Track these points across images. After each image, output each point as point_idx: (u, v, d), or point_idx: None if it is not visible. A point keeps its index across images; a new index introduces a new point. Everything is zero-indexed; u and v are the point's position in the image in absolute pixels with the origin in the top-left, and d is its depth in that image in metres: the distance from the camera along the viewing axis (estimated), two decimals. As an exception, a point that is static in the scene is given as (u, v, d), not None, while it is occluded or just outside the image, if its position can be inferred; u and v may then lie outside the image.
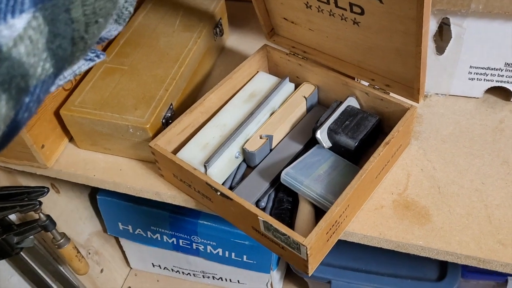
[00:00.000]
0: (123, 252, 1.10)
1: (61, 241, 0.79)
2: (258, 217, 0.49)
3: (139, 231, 0.97)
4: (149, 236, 0.97)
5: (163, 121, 0.62)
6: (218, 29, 0.77)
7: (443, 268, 0.89)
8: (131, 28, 0.74)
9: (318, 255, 0.51)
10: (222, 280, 1.04)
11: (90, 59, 0.36)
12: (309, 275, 0.51)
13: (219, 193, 0.52)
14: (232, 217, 0.56)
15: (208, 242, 0.93)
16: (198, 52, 0.71)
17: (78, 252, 0.83)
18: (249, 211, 0.50)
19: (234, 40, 0.84)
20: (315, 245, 0.48)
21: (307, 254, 0.48)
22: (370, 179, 0.55)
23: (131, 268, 1.14)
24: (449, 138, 0.64)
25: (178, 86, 0.66)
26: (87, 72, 0.69)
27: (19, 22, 0.24)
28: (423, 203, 0.58)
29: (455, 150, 0.62)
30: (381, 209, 0.58)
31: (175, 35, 0.72)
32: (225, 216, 0.57)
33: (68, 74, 0.34)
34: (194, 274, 1.06)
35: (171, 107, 0.64)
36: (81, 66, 0.35)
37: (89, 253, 1.01)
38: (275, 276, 1.00)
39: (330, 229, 0.50)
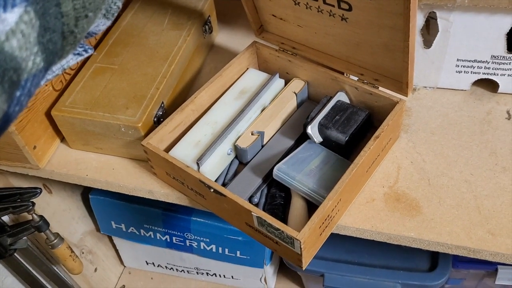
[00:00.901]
0: (117, 251, 1.10)
1: (55, 241, 0.80)
2: (252, 213, 0.50)
3: (132, 229, 0.97)
4: (142, 234, 0.98)
5: (155, 119, 0.63)
6: (207, 27, 0.77)
7: (434, 258, 0.90)
8: (119, 27, 0.74)
9: (311, 249, 0.51)
10: (216, 276, 1.05)
11: (78, 54, 0.36)
12: (303, 269, 0.51)
13: (212, 190, 0.53)
14: (225, 213, 0.56)
15: (202, 238, 0.93)
16: (188, 50, 0.71)
17: (72, 252, 0.83)
18: (243, 207, 0.50)
19: (223, 37, 0.84)
20: (308, 239, 0.49)
21: (300, 248, 0.48)
22: (361, 173, 0.55)
23: (125, 266, 1.15)
24: (438, 130, 0.65)
25: (169, 84, 0.66)
26: (77, 72, 0.69)
27: (11, 17, 0.24)
28: (414, 195, 0.59)
29: (444, 142, 0.63)
30: (373, 202, 0.59)
31: (164, 34, 0.72)
32: (219, 213, 0.58)
33: (57, 69, 0.34)
34: (188, 271, 1.07)
35: (162, 105, 0.64)
36: (69, 60, 0.35)
37: (83, 253, 1.01)
38: (269, 270, 1.01)
39: (323, 223, 0.51)
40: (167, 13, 0.76)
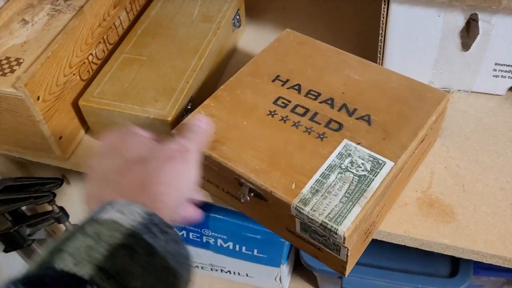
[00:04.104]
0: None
1: (73, 232, 0.78)
2: (296, 218, 0.48)
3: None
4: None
5: (184, 113, 0.61)
6: (236, 20, 0.76)
7: (455, 264, 0.88)
8: (148, 17, 0.73)
9: (355, 256, 0.50)
10: (230, 273, 1.04)
11: None
12: (346, 275, 0.50)
13: (253, 194, 0.52)
14: (263, 218, 0.55)
15: (219, 235, 0.92)
16: (218, 43, 0.70)
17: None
18: (286, 212, 0.49)
19: (250, 32, 0.83)
20: (355, 246, 0.47)
21: (347, 256, 0.47)
22: (404, 177, 0.54)
23: (138, 259, 1.13)
24: (472, 135, 0.63)
25: (198, 78, 0.65)
26: (104, 62, 0.68)
27: None
28: (448, 201, 0.57)
29: (478, 147, 0.62)
30: (405, 207, 0.57)
31: (194, 26, 0.71)
32: (254, 216, 0.56)
33: None
34: (202, 267, 1.05)
35: (191, 99, 0.63)
36: None
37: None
38: (284, 269, 1.00)
39: (368, 229, 0.50)
40: (196, 4, 0.74)
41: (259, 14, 0.85)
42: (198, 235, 0.94)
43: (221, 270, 1.04)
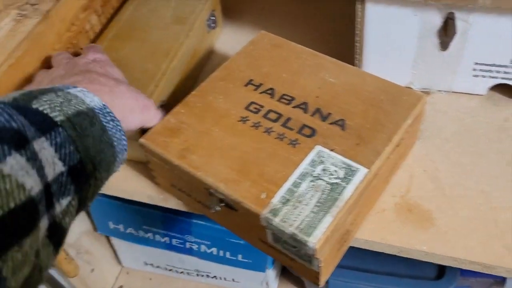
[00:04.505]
0: (115, 251, 1.07)
1: (50, 242, 0.76)
2: (266, 229, 0.47)
3: (130, 230, 0.94)
4: (141, 235, 0.95)
5: (155, 120, 0.59)
6: (211, 21, 0.74)
7: (442, 266, 0.87)
8: (120, 21, 0.71)
9: (330, 266, 0.49)
10: (216, 278, 1.02)
11: None
12: (320, 286, 0.49)
13: (223, 204, 0.50)
14: (235, 227, 0.53)
15: (202, 241, 0.91)
16: (191, 45, 0.68)
17: (67, 254, 0.80)
18: (256, 223, 0.47)
19: (228, 33, 0.81)
20: (328, 257, 0.46)
21: (319, 267, 0.45)
22: (379, 183, 0.53)
23: (123, 266, 1.12)
24: (453, 137, 0.62)
25: (169, 82, 0.63)
26: (74, 68, 0.66)
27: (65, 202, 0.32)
28: (427, 206, 0.56)
29: (459, 149, 0.60)
30: (383, 213, 0.55)
31: (167, 28, 0.69)
32: (227, 225, 0.55)
33: None
34: (187, 273, 1.04)
35: (162, 104, 0.61)
36: None
37: (79, 253, 0.98)
38: (271, 274, 0.98)
39: (342, 238, 0.48)
40: (170, 6, 0.72)
41: (237, 15, 0.83)
42: (181, 241, 0.92)
43: (207, 276, 1.03)
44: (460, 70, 0.62)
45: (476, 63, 0.61)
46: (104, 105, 0.39)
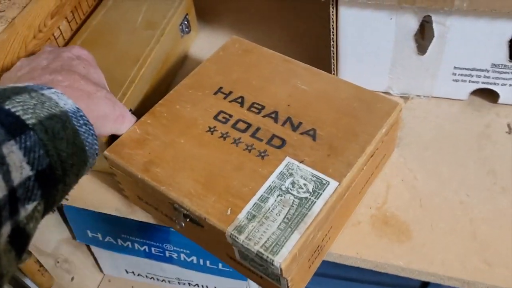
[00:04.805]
0: (95, 258, 1.05)
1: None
2: (233, 246, 0.44)
3: (109, 239, 0.92)
4: (119, 244, 0.92)
5: (122, 130, 0.57)
6: (184, 26, 0.71)
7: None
8: (89, 27, 0.68)
9: (301, 283, 0.46)
10: (198, 286, 1.00)
11: None
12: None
13: (188, 220, 0.48)
14: (203, 242, 0.51)
15: (182, 250, 0.88)
16: (162, 51, 0.66)
17: (41, 266, 0.78)
18: (223, 240, 0.45)
19: (203, 37, 0.78)
20: (296, 275, 0.44)
21: (288, 286, 0.43)
22: (353, 196, 0.50)
23: (104, 274, 1.09)
24: (432, 144, 0.59)
25: (139, 89, 0.61)
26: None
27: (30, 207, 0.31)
28: (404, 218, 0.53)
29: (438, 157, 0.58)
30: (358, 225, 0.53)
31: (137, 33, 0.66)
32: (195, 240, 0.52)
33: None
34: (169, 281, 1.02)
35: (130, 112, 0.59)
36: None
37: (58, 262, 0.95)
38: (253, 282, 0.96)
39: (312, 255, 0.46)
40: (141, 10, 0.70)
41: (213, 18, 0.81)
42: (161, 250, 0.90)
43: (189, 284, 1.00)
44: (439, 74, 0.60)
45: (456, 67, 0.59)
46: (78, 108, 0.38)
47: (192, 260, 0.89)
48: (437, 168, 0.57)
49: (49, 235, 0.93)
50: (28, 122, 0.32)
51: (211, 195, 0.46)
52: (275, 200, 0.45)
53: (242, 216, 0.44)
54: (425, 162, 0.58)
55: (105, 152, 0.52)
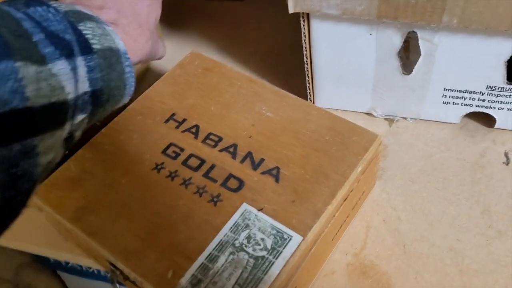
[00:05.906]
0: (62, 281, 0.98)
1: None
2: None
3: (72, 263, 0.85)
4: (84, 269, 0.85)
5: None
6: (144, 37, 0.64)
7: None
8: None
9: None
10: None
11: None
12: None
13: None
14: None
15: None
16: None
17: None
18: None
19: (170, 47, 0.70)
20: None
21: None
22: (325, 244, 0.43)
23: (73, 297, 1.02)
24: (419, 177, 0.52)
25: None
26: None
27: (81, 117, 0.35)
28: (385, 268, 0.46)
29: (425, 193, 0.50)
30: (332, 276, 0.46)
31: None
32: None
33: None
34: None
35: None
36: None
37: (18, 288, 0.88)
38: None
39: None
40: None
41: (181, 25, 0.73)
42: (128, 276, 0.83)
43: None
44: (427, 96, 0.52)
45: (446, 89, 0.51)
46: (126, 50, 0.40)
47: None
48: (425, 207, 0.49)
49: (7, 259, 0.86)
50: (94, 46, 0.35)
51: (151, 252, 0.39)
52: (226, 260, 0.38)
53: (185, 280, 0.37)
54: (411, 198, 0.50)
55: (35, 193, 0.44)
